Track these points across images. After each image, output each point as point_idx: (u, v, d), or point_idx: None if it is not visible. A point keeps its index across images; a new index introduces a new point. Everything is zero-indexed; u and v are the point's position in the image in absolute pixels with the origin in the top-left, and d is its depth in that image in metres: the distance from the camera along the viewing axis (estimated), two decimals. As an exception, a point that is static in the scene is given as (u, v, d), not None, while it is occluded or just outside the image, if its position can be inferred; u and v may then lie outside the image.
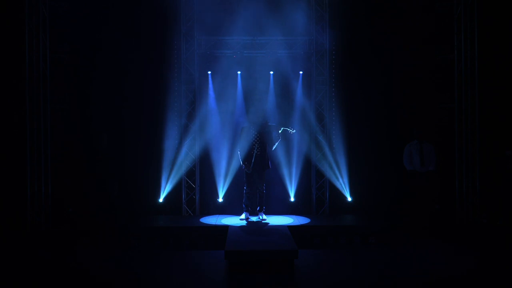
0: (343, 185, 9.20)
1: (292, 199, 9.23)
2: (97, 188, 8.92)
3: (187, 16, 9.04)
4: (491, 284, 5.98)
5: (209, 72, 9.22)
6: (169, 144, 9.06)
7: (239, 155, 8.24)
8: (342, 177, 9.18)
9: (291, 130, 8.25)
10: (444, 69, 9.13)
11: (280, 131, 8.17)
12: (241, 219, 8.33)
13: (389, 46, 9.11)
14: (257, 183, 8.23)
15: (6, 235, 7.93)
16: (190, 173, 9.16)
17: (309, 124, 9.22)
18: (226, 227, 7.78)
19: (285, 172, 9.19)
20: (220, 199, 9.14)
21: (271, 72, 9.23)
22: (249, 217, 8.40)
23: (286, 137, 8.71)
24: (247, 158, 8.11)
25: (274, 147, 8.25)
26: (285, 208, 9.15)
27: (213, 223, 8.16)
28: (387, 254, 7.34)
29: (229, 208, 9.06)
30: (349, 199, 9.22)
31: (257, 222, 8.22)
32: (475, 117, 8.71)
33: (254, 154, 8.10)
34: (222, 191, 9.14)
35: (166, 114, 9.07)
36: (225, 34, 9.00)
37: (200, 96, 9.21)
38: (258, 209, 8.37)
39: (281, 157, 9.15)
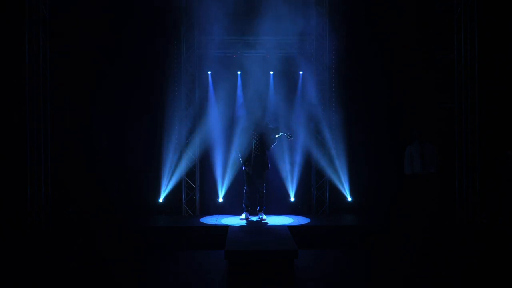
0: (343, 185, 9.20)
1: (292, 199, 9.23)
2: (97, 188, 8.92)
3: (187, 16, 9.05)
4: (492, 284, 5.98)
5: (209, 72, 9.22)
6: (169, 144, 9.06)
7: (239, 155, 8.26)
8: (342, 177, 9.18)
9: (288, 137, 8.25)
10: (444, 69, 9.12)
11: (277, 136, 8.17)
12: (241, 219, 8.33)
13: (389, 46, 9.11)
14: (257, 184, 8.23)
15: (6, 235, 7.92)
16: (190, 173, 9.16)
17: (309, 124, 9.21)
18: (226, 227, 7.78)
19: (285, 172, 9.19)
20: (220, 199, 9.14)
21: (271, 72, 9.23)
22: (249, 217, 8.40)
23: (286, 137, 8.71)
24: (247, 159, 8.12)
25: (271, 147, 8.26)
26: (285, 208, 9.16)
27: (213, 223, 8.16)
28: (387, 254, 7.35)
29: (229, 208, 9.07)
30: (349, 199, 9.23)
31: (257, 222, 8.22)
32: (475, 117, 8.70)
33: (254, 155, 8.11)
34: (222, 191, 9.14)
35: (166, 114, 9.07)
36: (225, 34, 8.99)
37: (200, 96, 9.20)
38: (258, 209, 8.37)
39: (281, 157, 9.15)
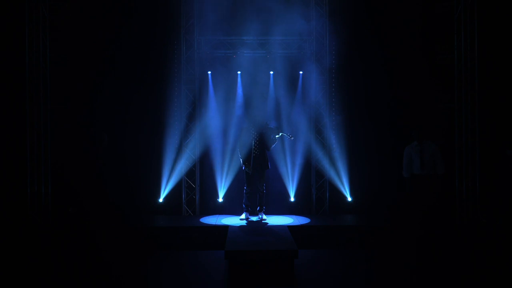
0: (343, 185, 9.20)
1: (292, 199, 9.23)
2: (97, 188, 8.91)
3: (187, 16, 9.05)
4: (492, 284, 5.98)
5: (209, 72, 9.22)
6: (169, 144, 9.07)
7: (239, 155, 8.26)
8: (342, 177, 9.18)
9: (289, 137, 8.26)
10: (444, 69, 9.13)
11: (278, 136, 8.18)
12: (241, 219, 8.34)
13: (389, 46, 9.10)
14: (257, 183, 8.24)
15: (6, 235, 7.93)
16: (190, 173, 9.15)
17: (309, 124, 9.22)
18: (226, 227, 7.78)
19: (285, 172, 9.19)
20: (220, 199, 9.14)
21: (271, 72, 9.24)
22: (249, 217, 8.41)
23: (286, 137, 8.72)
24: (247, 159, 8.13)
25: (271, 148, 8.27)
26: (285, 208, 9.16)
27: (213, 223, 8.17)
28: (387, 254, 7.35)
29: (229, 208, 9.07)
30: (349, 199, 9.23)
31: (257, 222, 8.23)
32: (475, 117, 8.72)
33: (254, 155, 8.11)
34: (222, 191, 9.14)
35: (166, 114, 9.07)
36: (225, 34, 9.01)
37: (200, 96, 9.20)
38: (258, 209, 8.38)
39: (281, 157, 9.15)
